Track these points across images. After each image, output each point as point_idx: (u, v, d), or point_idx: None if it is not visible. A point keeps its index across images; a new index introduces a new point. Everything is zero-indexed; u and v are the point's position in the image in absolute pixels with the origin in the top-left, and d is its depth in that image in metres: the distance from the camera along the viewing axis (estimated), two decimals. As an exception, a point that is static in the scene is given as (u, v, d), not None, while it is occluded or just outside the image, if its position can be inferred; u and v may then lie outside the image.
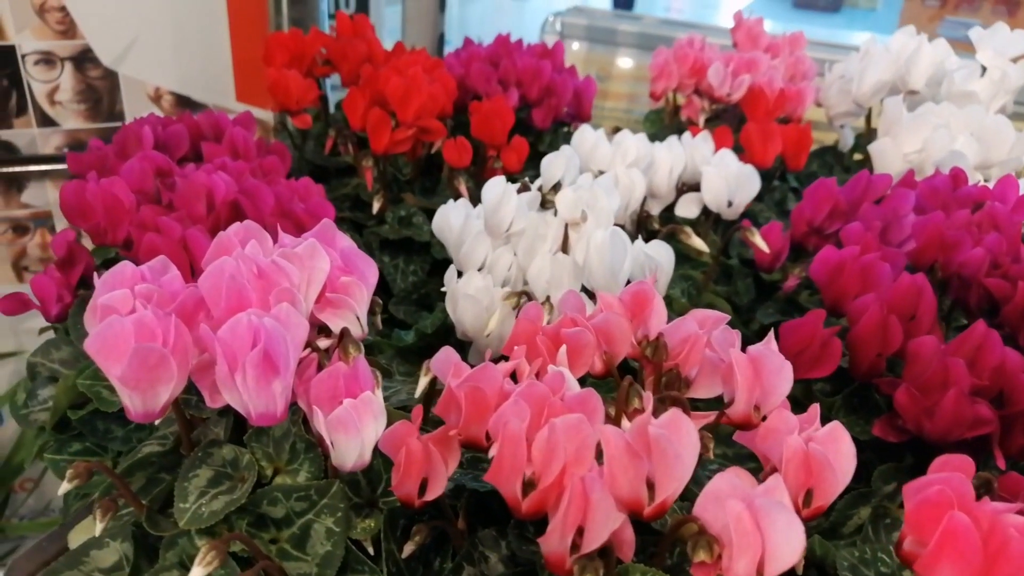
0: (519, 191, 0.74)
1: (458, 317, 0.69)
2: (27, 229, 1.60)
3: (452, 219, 0.76)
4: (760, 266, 0.92)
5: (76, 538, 0.65)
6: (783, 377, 0.50)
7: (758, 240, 0.84)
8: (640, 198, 0.87)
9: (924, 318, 0.67)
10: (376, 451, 0.50)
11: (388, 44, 1.18)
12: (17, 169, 1.55)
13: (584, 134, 0.90)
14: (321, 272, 0.51)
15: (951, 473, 0.45)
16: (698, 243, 0.80)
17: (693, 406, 0.54)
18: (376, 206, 0.97)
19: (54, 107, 1.53)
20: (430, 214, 0.99)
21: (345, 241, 0.55)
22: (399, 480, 0.49)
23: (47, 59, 1.49)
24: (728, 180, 0.90)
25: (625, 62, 2.02)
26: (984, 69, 1.12)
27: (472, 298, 0.67)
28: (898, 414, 0.65)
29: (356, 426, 0.46)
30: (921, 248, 0.76)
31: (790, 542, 0.40)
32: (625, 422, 0.49)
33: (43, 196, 1.59)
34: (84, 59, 1.52)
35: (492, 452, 0.47)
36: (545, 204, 0.75)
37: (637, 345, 0.57)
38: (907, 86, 1.14)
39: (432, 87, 0.97)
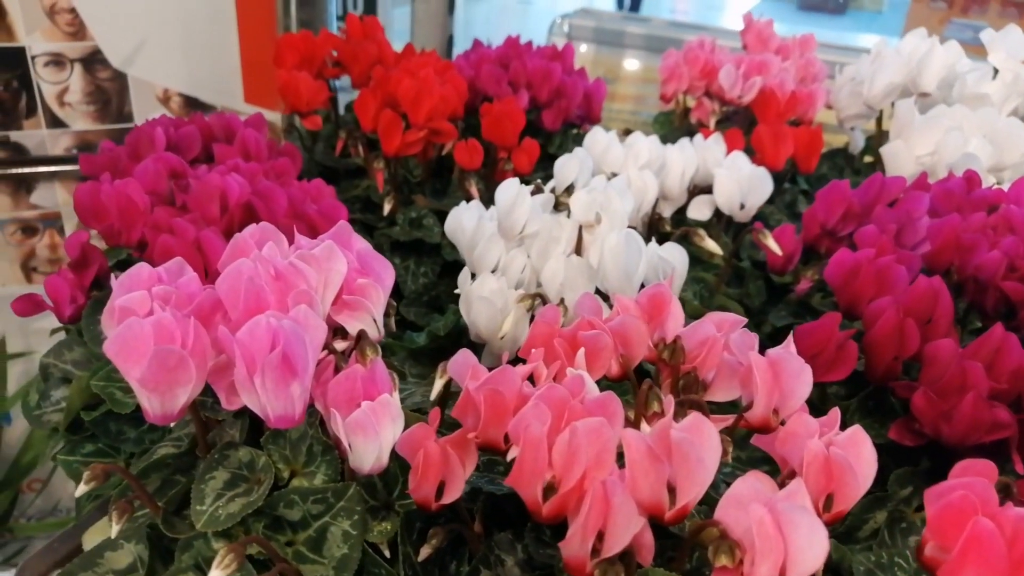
0: (532, 193, 0.73)
1: (472, 319, 0.69)
2: (36, 230, 1.60)
3: (465, 221, 0.76)
4: (772, 268, 0.92)
5: (91, 539, 0.65)
6: (802, 381, 0.50)
7: (771, 242, 0.84)
8: (652, 200, 0.87)
9: (941, 321, 0.66)
10: (392, 454, 0.49)
11: (396, 46, 1.18)
12: (26, 170, 1.55)
13: (596, 136, 0.89)
14: (338, 274, 0.51)
15: (974, 478, 0.45)
16: (711, 245, 0.79)
17: (709, 409, 0.53)
18: (387, 208, 0.97)
19: (63, 108, 1.54)
20: (441, 216, 0.99)
21: (361, 243, 0.55)
22: (416, 483, 0.48)
23: (57, 60, 1.50)
24: (740, 182, 0.90)
25: (632, 64, 2.02)
26: (996, 71, 1.12)
27: (486, 300, 0.67)
28: (915, 418, 0.64)
29: (374, 429, 0.46)
30: (936, 251, 0.75)
31: (813, 547, 0.40)
32: (644, 426, 0.49)
33: (52, 197, 1.59)
34: (93, 61, 1.52)
35: (511, 455, 0.47)
36: (558, 206, 0.75)
37: (654, 348, 0.56)
38: (919, 88, 1.13)
39: (443, 89, 0.97)
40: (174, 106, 1.62)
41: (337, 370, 0.49)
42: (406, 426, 0.49)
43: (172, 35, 1.56)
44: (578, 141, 1.20)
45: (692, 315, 0.64)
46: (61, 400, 0.74)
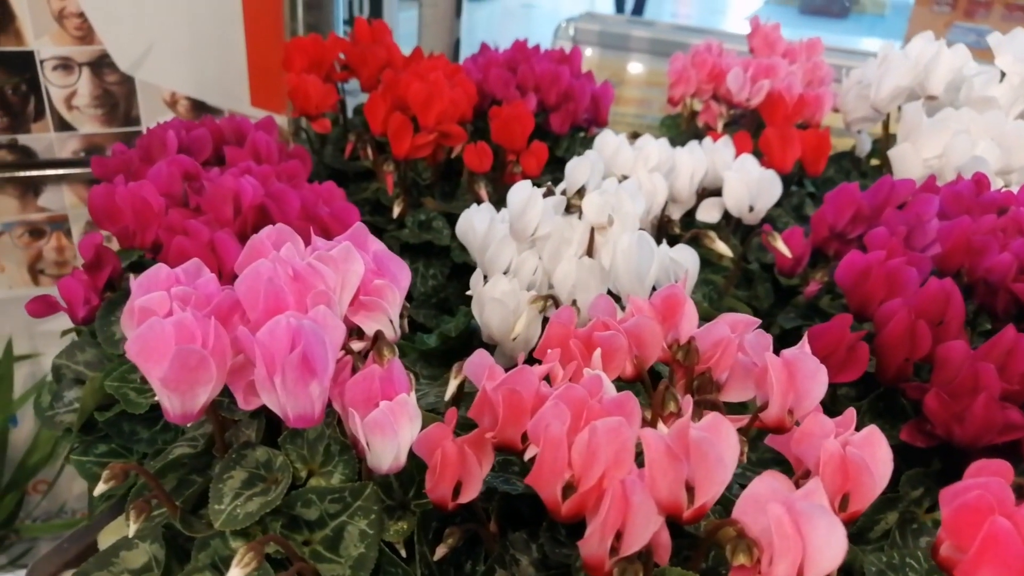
0: (544, 195, 0.74)
1: (484, 320, 0.69)
2: (43, 233, 1.61)
3: (476, 223, 0.76)
4: (781, 271, 0.92)
5: (106, 539, 0.65)
6: (818, 381, 0.50)
7: (780, 245, 0.84)
8: (662, 203, 0.87)
9: (952, 323, 0.67)
10: (407, 454, 0.50)
11: (402, 50, 1.18)
12: (34, 173, 1.56)
13: (606, 138, 0.90)
14: (355, 275, 0.51)
15: (990, 478, 0.45)
16: (722, 247, 0.80)
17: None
18: (396, 210, 0.97)
19: (71, 112, 1.55)
20: (450, 218, 1.00)
21: (377, 244, 0.56)
22: (434, 483, 0.49)
23: (65, 64, 1.51)
24: (749, 185, 0.90)
25: (636, 68, 2.03)
26: (1003, 74, 1.12)
27: (499, 302, 0.67)
28: (926, 419, 0.65)
29: (393, 428, 0.46)
30: (947, 253, 0.75)
31: (832, 546, 0.40)
32: (661, 426, 0.49)
33: (59, 200, 1.60)
34: (101, 64, 1.53)
35: (529, 455, 0.47)
36: (570, 208, 0.76)
37: (668, 349, 0.57)
38: (926, 92, 1.13)
39: (453, 92, 0.97)
40: (181, 109, 1.63)
41: (354, 370, 0.50)
42: (423, 426, 0.49)
43: (180, 39, 1.57)
44: (585, 144, 1.21)
45: (702, 317, 0.64)
46: (74, 401, 0.74)
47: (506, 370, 0.49)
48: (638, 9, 5.80)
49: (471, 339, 0.80)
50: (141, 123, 1.60)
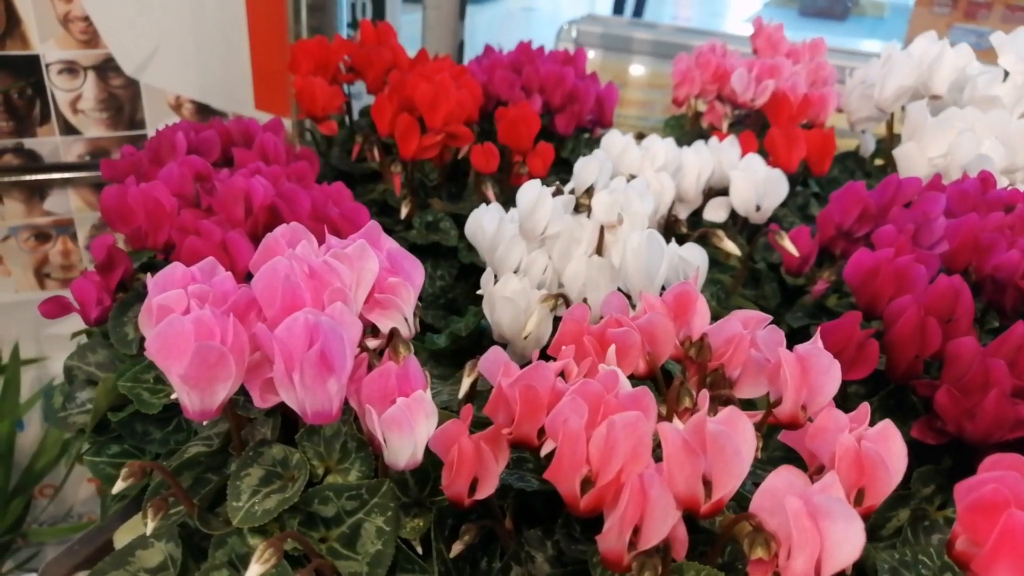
0: (553, 195, 0.74)
1: (495, 319, 0.69)
2: (49, 236, 1.61)
3: (485, 223, 0.76)
4: (788, 270, 0.92)
5: (121, 538, 0.66)
6: (831, 377, 0.50)
7: (787, 244, 0.84)
8: (669, 202, 0.87)
9: (962, 320, 0.67)
10: (423, 451, 0.50)
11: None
12: (40, 177, 1.56)
13: (613, 138, 0.90)
14: (370, 273, 0.52)
15: (1005, 472, 0.45)
16: (729, 246, 0.80)
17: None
18: (404, 211, 0.97)
19: (77, 115, 1.55)
20: (457, 219, 1.00)
21: (391, 243, 0.56)
22: (450, 480, 0.49)
23: (70, 68, 1.51)
24: (756, 184, 0.90)
25: (638, 70, 2.03)
26: (1006, 74, 1.12)
27: (510, 300, 0.67)
28: (937, 416, 0.65)
29: (410, 424, 0.46)
30: (954, 251, 0.76)
31: (850, 539, 0.40)
32: (676, 421, 0.49)
33: (65, 204, 1.60)
34: (106, 68, 1.54)
35: (546, 450, 0.48)
36: (579, 208, 0.76)
37: (680, 346, 0.57)
38: (930, 91, 1.14)
39: (459, 93, 0.97)
40: (186, 113, 1.64)
41: (370, 368, 0.50)
42: (439, 424, 0.49)
43: (184, 43, 1.58)
44: (590, 145, 1.21)
45: (710, 316, 0.64)
46: (87, 402, 0.74)
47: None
48: (637, 12, 5.81)
49: (481, 338, 0.81)
50: (146, 127, 1.60)
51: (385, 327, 0.53)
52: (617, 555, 0.42)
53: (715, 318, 0.59)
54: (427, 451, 0.50)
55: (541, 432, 0.48)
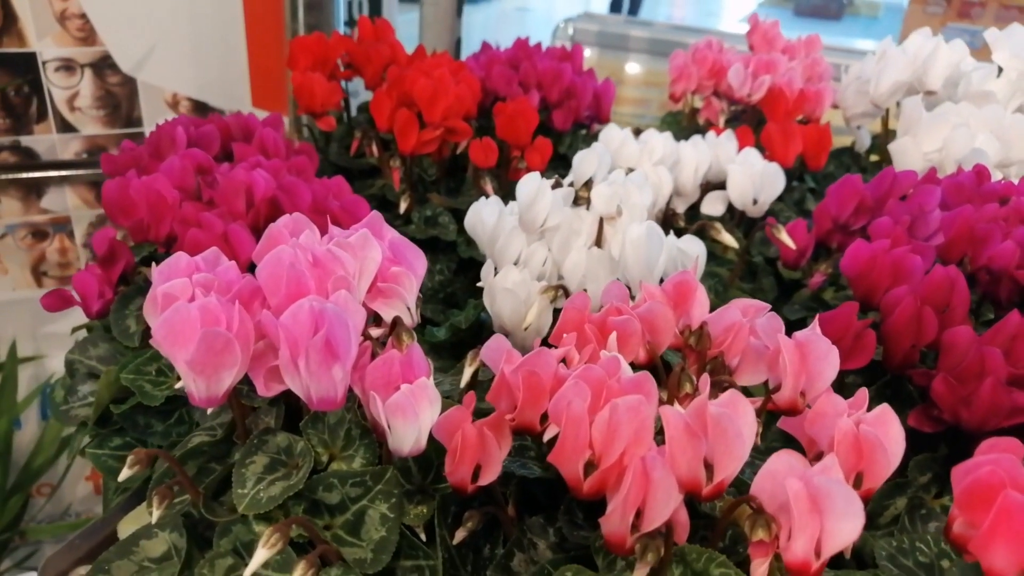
0: (552, 187, 0.75)
1: (496, 311, 0.70)
2: (46, 234, 1.61)
3: (485, 216, 0.77)
4: (785, 263, 0.93)
5: (125, 529, 0.66)
6: (829, 362, 0.51)
7: (784, 236, 0.85)
8: (667, 196, 0.88)
9: (958, 309, 0.67)
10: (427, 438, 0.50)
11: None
12: (37, 175, 1.56)
13: (611, 132, 0.91)
14: (373, 262, 0.52)
15: (1001, 454, 0.46)
16: (727, 239, 0.81)
17: (737, 394, 0.54)
18: (403, 206, 0.98)
19: (74, 113, 1.55)
20: (456, 214, 1.00)
21: (393, 232, 0.56)
22: (453, 466, 0.49)
23: (67, 66, 1.51)
24: (753, 178, 0.91)
25: (634, 68, 2.04)
26: (1000, 70, 1.13)
27: (510, 292, 0.68)
28: (934, 404, 0.65)
29: (414, 410, 0.47)
30: (950, 242, 0.76)
31: (849, 519, 0.41)
32: (677, 406, 0.50)
33: (62, 202, 1.60)
34: (103, 66, 1.54)
35: (548, 435, 0.48)
36: (578, 200, 0.76)
37: (680, 335, 0.57)
38: (924, 87, 1.15)
39: (458, 88, 0.98)
40: (183, 110, 1.64)
41: (374, 356, 0.50)
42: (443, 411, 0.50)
43: (181, 40, 1.58)
44: (588, 141, 1.21)
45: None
46: (88, 395, 0.75)
47: (520, 357, 0.49)
48: (632, 12, 5.83)
49: (481, 331, 0.81)
50: (143, 124, 1.61)
51: (388, 316, 0.53)
52: (620, 537, 0.43)
53: (713, 311, 0.60)
54: (430, 439, 0.50)
55: (543, 418, 0.49)
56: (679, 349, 0.59)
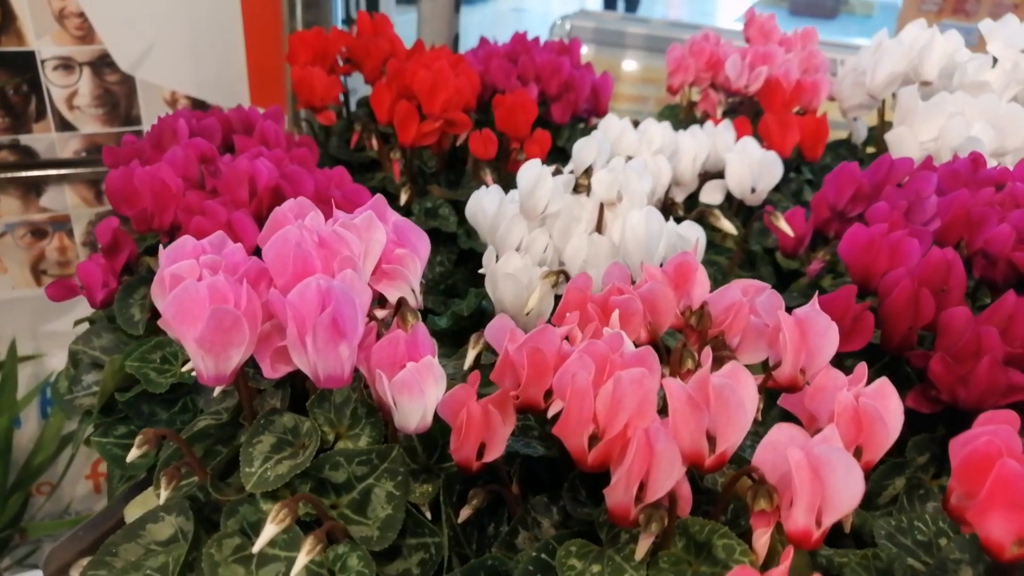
0: (552, 175, 0.75)
1: (498, 296, 0.70)
2: (46, 233, 1.61)
3: (486, 204, 0.77)
4: (783, 251, 0.94)
5: (131, 513, 0.66)
6: (829, 339, 0.52)
7: (782, 224, 0.85)
8: (666, 185, 0.89)
9: (955, 291, 0.68)
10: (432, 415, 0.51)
11: (401, 48, 1.20)
12: (36, 173, 1.56)
13: (610, 122, 0.91)
14: (378, 244, 0.53)
15: (998, 425, 0.46)
16: (726, 225, 0.81)
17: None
18: (404, 198, 0.98)
19: (72, 112, 1.55)
20: (456, 205, 1.01)
21: (396, 216, 0.57)
22: (458, 443, 0.50)
23: (66, 64, 1.51)
24: (751, 166, 0.92)
25: (631, 64, 2.05)
26: (995, 60, 1.14)
27: (512, 277, 0.68)
28: (931, 384, 0.66)
29: (420, 388, 0.47)
30: (946, 226, 0.77)
31: (850, 487, 0.42)
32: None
33: (62, 200, 1.60)
34: (102, 64, 1.54)
35: (553, 411, 0.49)
36: (577, 188, 0.77)
37: (681, 315, 0.58)
38: (920, 77, 1.16)
39: (458, 80, 0.99)
40: (181, 108, 1.64)
41: (379, 337, 0.51)
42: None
43: (179, 39, 1.58)
44: (586, 134, 1.22)
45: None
46: (93, 384, 0.75)
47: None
48: (629, 8, 5.84)
49: (482, 319, 0.82)
50: (142, 122, 1.61)
51: (393, 297, 0.54)
52: (624, 508, 0.43)
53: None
54: (435, 419, 0.51)
55: (547, 395, 0.49)
56: (680, 330, 0.59)
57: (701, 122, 1.21)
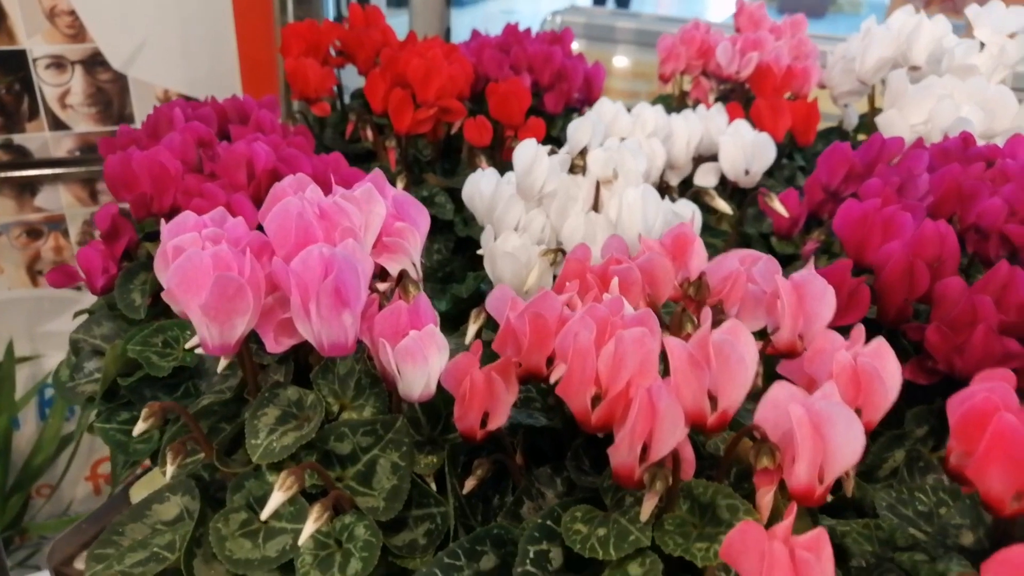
0: (548, 155, 0.76)
1: (497, 275, 0.71)
2: (41, 233, 1.61)
3: (483, 186, 0.78)
4: (778, 233, 0.94)
5: (137, 494, 0.66)
6: (826, 303, 0.52)
7: (777, 205, 0.86)
8: (660, 167, 0.89)
9: (948, 262, 0.69)
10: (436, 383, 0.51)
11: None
12: (30, 173, 1.56)
13: (604, 105, 0.92)
14: (378, 217, 0.53)
15: (995, 383, 0.47)
16: (721, 205, 0.82)
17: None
18: (399, 186, 0.99)
19: (65, 111, 1.55)
20: (452, 194, 1.01)
21: (395, 190, 0.57)
22: (462, 412, 0.50)
23: (58, 63, 1.51)
24: (745, 148, 0.92)
25: (622, 60, 2.06)
26: (982, 45, 1.15)
27: (511, 255, 0.69)
28: (928, 355, 0.67)
29: (423, 355, 0.48)
30: (939, 200, 0.78)
31: (851, 442, 0.42)
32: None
33: (56, 200, 1.60)
34: (94, 62, 1.54)
35: (555, 377, 0.49)
36: (573, 169, 0.78)
37: (679, 287, 0.59)
38: (909, 62, 1.17)
39: (451, 68, 0.99)
40: (175, 105, 1.64)
41: (381, 309, 0.51)
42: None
43: (171, 36, 1.58)
44: (579, 124, 1.23)
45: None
46: (95, 371, 0.75)
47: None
48: (620, 6, 5.85)
49: (481, 301, 0.82)
50: (135, 121, 1.61)
51: (394, 270, 0.54)
52: (629, 469, 0.44)
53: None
54: (438, 390, 0.51)
55: (549, 361, 0.50)
56: (678, 301, 0.60)
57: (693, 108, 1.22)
